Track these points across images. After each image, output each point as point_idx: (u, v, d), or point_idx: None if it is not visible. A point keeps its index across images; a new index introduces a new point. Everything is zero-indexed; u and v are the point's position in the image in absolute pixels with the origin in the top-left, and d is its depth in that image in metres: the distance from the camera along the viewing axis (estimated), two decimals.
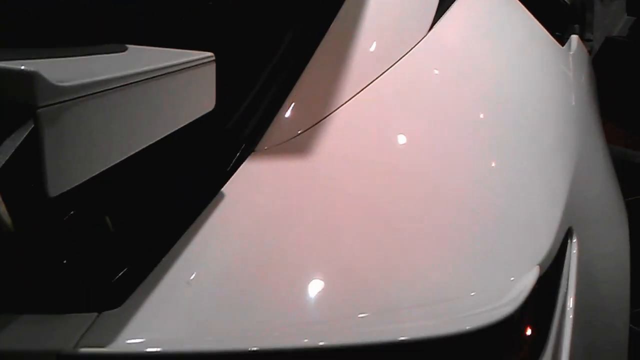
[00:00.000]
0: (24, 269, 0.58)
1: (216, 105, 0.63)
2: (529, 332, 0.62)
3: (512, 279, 0.61)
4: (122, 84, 0.49)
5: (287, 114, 0.74)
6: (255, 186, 0.68)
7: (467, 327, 0.55)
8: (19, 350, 0.53)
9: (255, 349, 0.52)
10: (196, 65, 0.58)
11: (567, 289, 0.70)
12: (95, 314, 0.55)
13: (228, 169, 0.69)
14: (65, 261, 0.58)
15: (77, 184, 0.48)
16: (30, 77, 0.40)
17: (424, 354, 0.56)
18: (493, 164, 0.74)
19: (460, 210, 0.67)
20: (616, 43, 2.66)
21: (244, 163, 0.70)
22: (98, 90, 0.47)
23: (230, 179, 0.68)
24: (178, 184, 0.67)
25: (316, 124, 0.74)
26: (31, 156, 0.44)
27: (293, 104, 0.75)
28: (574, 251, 0.74)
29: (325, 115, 0.75)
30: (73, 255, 0.59)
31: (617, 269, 0.96)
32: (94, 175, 0.51)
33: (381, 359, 0.55)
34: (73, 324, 0.54)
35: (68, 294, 0.57)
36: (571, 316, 0.68)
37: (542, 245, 0.66)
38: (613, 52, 2.58)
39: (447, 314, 0.57)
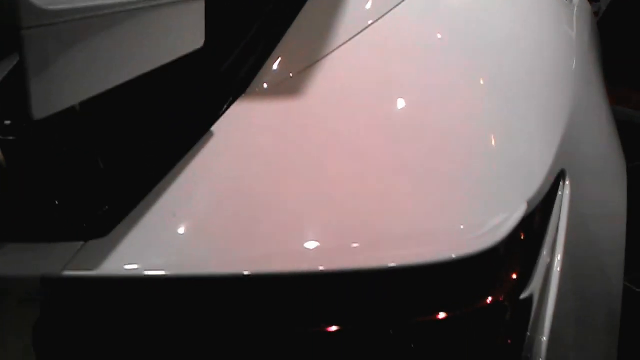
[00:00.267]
0: (13, 200, 0.58)
1: (209, 47, 0.62)
2: (513, 267, 0.62)
3: (499, 214, 0.61)
4: (110, 11, 0.49)
5: (279, 57, 0.73)
6: (245, 125, 0.67)
7: (453, 256, 0.55)
8: (3, 275, 0.53)
9: (243, 273, 0.52)
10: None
11: (557, 230, 0.70)
12: (82, 243, 0.55)
13: (219, 110, 0.68)
14: (53, 193, 0.59)
15: (61, 109, 0.48)
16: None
17: (411, 282, 0.56)
18: (486, 104, 0.74)
19: (451, 148, 0.66)
20: (626, 1, 2.58)
21: (234, 104, 0.69)
22: (84, 16, 0.46)
23: (221, 118, 0.67)
24: (168, 123, 0.67)
25: (308, 67, 0.73)
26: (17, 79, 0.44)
27: (286, 47, 0.74)
28: (567, 192, 0.73)
29: (317, 59, 0.74)
30: (62, 187, 0.59)
31: (611, 223, 0.95)
32: (78, 101, 0.51)
33: (369, 286, 0.55)
34: (59, 252, 0.54)
35: (55, 223, 0.57)
36: (560, 257, 0.68)
37: (532, 182, 0.66)
38: (623, 11, 2.52)
39: (434, 244, 0.56)
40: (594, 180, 0.89)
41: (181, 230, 0.57)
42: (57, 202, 0.58)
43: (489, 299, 0.58)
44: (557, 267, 0.67)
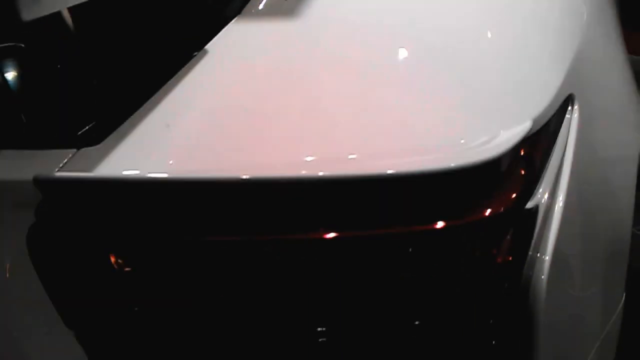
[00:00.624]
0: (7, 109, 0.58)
1: None
2: (515, 183, 0.60)
3: (503, 130, 0.59)
4: None
5: None
6: (240, 44, 0.66)
7: (452, 165, 0.53)
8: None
9: (237, 177, 0.51)
10: None
11: (564, 153, 0.68)
12: (74, 150, 0.55)
13: (214, 29, 0.67)
14: (48, 102, 0.58)
15: (50, 11, 0.47)
16: None
17: (410, 191, 0.54)
18: (493, 20, 0.72)
19: (454, 63, 0.65)
20: None
21: (230, 24, 0.68)
22: None
23: (216, 37, 0.66)
24: (164, 40, 0.66)
25: None
26: None
27: None
28: (575, 116, 0.71)
29: None
30: (56, 97, 0.59)
31: (621, 162, 0.93)
32: (68, 5, 0.50)
33: (366, 194, 0.54)
34: (52, 157, 0.54)
35: (48, 131, 0.57)
36: (566, 179, 0.66)
37: (538, 101, 0.64)
38: None
39: (433, 155, 0.55)
40: (604, 116, 0.86)
41: (174, 140, 0.56)
42: (51, 111, 0.57)
43: (488, 211, 0.56)
44: (563, 188, 0.65)
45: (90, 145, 0.55)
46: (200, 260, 0.55)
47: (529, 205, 0.61)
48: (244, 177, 0.51)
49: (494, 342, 0.61)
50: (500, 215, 0.58)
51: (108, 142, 0.56)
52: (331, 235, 0.54)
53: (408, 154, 0.56)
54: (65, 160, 0.54)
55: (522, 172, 0.62)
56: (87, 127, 0.57)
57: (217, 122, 0.58)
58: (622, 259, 0.92)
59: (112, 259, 0.55)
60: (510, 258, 0.61)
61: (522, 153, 0.62)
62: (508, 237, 0.60)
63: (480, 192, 0.57)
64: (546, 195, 0.64)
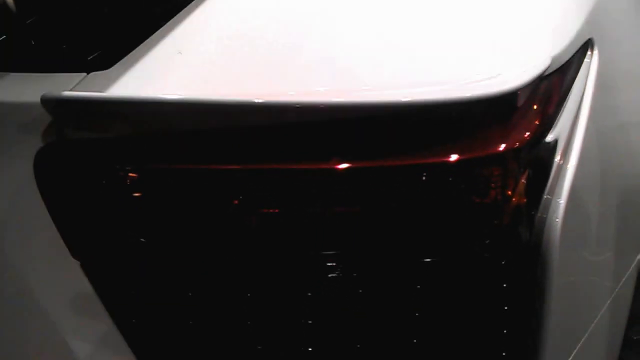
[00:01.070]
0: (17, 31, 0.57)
1: None
2: (532, 120, 0.58)
3: (521, 66, 0.57)
4: None
5: None
6: None
7: (466, 95, 0.52)
8: (4, 101, 0.52)
9: (250, 101, 0.50)
10: None
11: (582, 96, 0.66)
12: (84, 74, 0.54)
13: None
14: (58, 27, 0.57)
15: None
16: None
17: (421, 122, 0.53)
18: None
19: (474, 1, 0.63)
20: None
21: None
22: None
23: None
24: None
25: None
26: None
27: None
28: (594, 60, 0.69)
29: None
30: (67, 23, 0.58)
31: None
32: None
33: (379, 125, 0.53)
34: (61, 81, 0.53)
35: (58, 56, 0.56)
36: (584, 120, 0.64)
37: (558, 42, 0.62)
38: None
39: (448, 86, 0.53)
40: (625, 64, 0.84)
41: (186, 66, 0.55)
42: (61, 35, 0.56)
43: (502, 146, 0.55)
44: (580, 131, 0.64)
45: (100, 70, 0.54)
46: (207, 187, 0.54)
47: (546, 140, 0.59)
48: (257, 101, 0.50)
49: (504, 285, 0.60)
50: (514, 151, 0.56)
51: (118, 67, 0.55)
52: (343, 165, 0.53)
53: (424, 86, 0.55)
54: (74, 83, 0.53)
55: (539, 110, 0.60)
56: (97, 53, 0.55)
57: (231, 50, 0.57)
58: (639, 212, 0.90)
59: (120, 184, 0.54)
60: (525, 200, 0.60)
61: (539, 91, 0.60)
62: (523, 176, 0.59)
63: (495, 127, 0.56)
64: (562, 136, 0.62)
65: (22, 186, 0.55)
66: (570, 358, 0.69)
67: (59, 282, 0.57)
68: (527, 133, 0.58)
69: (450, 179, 0.56)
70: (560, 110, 0.63)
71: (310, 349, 0.57)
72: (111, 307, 0.57)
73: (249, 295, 0.56)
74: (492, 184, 0.57)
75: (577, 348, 0.69)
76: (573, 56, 0.65)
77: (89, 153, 0.54)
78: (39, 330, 0.57)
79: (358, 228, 0.56)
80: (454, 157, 0.54)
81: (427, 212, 0.56)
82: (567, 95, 0.65)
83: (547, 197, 0.62)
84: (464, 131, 0.55)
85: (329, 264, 0.56)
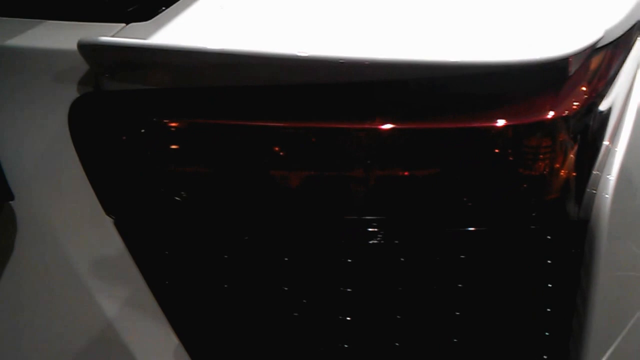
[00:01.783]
0: None
1: None
2: (581, 89, 0.56)
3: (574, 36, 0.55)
4: None
5: None
6: None
7: (519, 59, 0.49)
8: (40, 48, 0.51)
9: (291, 55, 0.48)
10: None
11: (635, 73, 0.64)
12: (123, 24, 0.52)
13: None
14: None
15: None
16: None
17: (471, 85, 0.51)
18: None
19: None
20: None
21: None
22: None
23: None
24: None
25: None
26: None
27: None
28: None
29: None
30: None
31: None
32: None
33: (430, 85, 0.50)
34: (99, 30, 0.52)
35: (96, 5, 0.54)
36: (637, 101, 0.62)
37: (610, 18, 0.60)
38: None
39: (499, 49, 0.51)
40: None
41: (228, 21, 0.53)
42: None
43: (551, 114, 0.53)
44: (633, 105, 0.61)
45: (139, 21, 0.52)
46: (247, 144, 0.52)
47: (597, 113, 0.57)
48: (301, 56, 0.48)
49: (549, 261, 0.57)
50: (563, 119, 0.54)
51: (157, 19, 0.53)
52: (388, 126, 0.51)
53: (473, 49, 0.53)
54: (113, 33, 0.51)
55: (591, 82, 0.58)
56: (137, 4, 0.54)
57: (274, 5, 0.55)
58: None
59: (157, 138, 0.52)
60: (574, 173, 0.57)
61: (591, 63, 0.58)
62: (572, 147, 0.56)
63: (544, 94, 0.54)
64: (614, 110, 0.60)
65: (55, 139, 0.53)
66: (615, 345, 0.66)
67: (90, 239, 0.55)
68: (577, 103, 0.56)
69: (497, 145, 0.53)
70: (612, 84, 0.61)
71: (348, 319, 0.55)
72: (143, 267, 0.54)
73: (285, 259, 0.53)
74: (539, 154, 0.55)
75: (622, 334, 0.66)
76: (626, 33, 0.63)
77: (126, 105, 0.52)
78: (69, 287, 0.55)
79: (401, 193, 0.53)
80: (501, 123, 0.52)
81: (472, 178, 0.54)
82: (619, 71, 0.63)
83: (596, 173, 0.59)
84: (513, 97, 0.53)
85: (370, 229, 0.53)
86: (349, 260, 0.54)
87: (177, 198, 0.53)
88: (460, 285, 0.55)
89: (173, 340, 0.56)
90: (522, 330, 0.58)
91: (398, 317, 0.55)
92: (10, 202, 0.54)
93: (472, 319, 0.56)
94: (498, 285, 0.56)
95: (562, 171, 0.56)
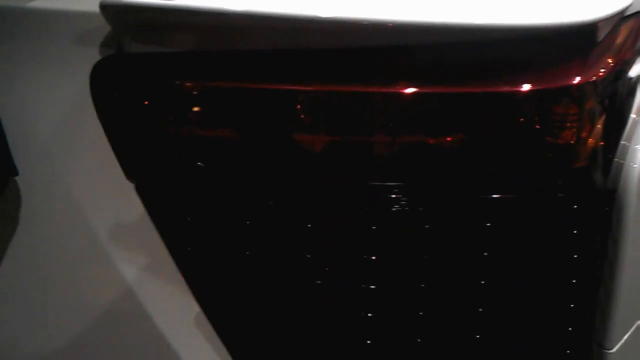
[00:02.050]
0: None
1: None
2: (610, 57, 0.55)
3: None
4: None
5: None
6: None
7: (541, 22, 0.48)
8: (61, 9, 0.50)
9: (317, 18, 0.47)
10: None
11: None
12: None
13: None
14: None
15: None
16: None
17: (499, 50, 0.50)
18: None
19: None
20: None
21: None
22: None
23: None
24: None
25: None
26: None
27: None
28: None
29: None
30: None
31: None
32: None
33: (460, 48, 0.49)
34: None
35: None
36: None
37: None
38: None
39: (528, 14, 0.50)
40: None
41: None
42: None
43: (577, 79, 0.51)
44: None
45: None
46: (271, 108, 0.51)
47: (624, 81, 0.56)
48: (327, 18, 0.47)
49: (576, 231, 0.56)
50: (590, 85, 0.53)
51: None
52: (410, 90, 0.50)
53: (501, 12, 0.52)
54: None
55: (619, 49, 0.57)
56: None
57: None
58: None
59: (181, 102, 0.51)
60: (601, 142, 0.56)
61: (620, 29, 0.56)
62: (599, 115, 0.55)
63: (572, 59, 0.52)
64: None
65: (76, 102, 0.53)
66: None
67: (111, 204, 0.54)
68: (605, 70, 0.55)
69: (523, 110, 0.52)
70: None
71: (372, 287, 0.54)
72: (165, 233, 0.54)
73: (308, 225, 0.53)
74: (567, 120, 0.54)
75: None
76: None
77: (149, 67, 0.51)
78: (89, 254, 0.55)
79: (426, 159, 0.52)
80: (528, 87, 0.51)
81: (498, 145, 0.53)
82: None
83: (624, 143, 0.58)
84: (540, 62, 0.52)
85: (394, 196, 0.52)
86: (373, 227, 0.53)
87: (199, 163, 0.53)
88: (485, 253, 0.54)
89: (194, 307, 0.56)
90: (547, 301, 0.57)
91: (422, 285, 0.54)
92: (33, 165, 0.54)
93: (497, 288, 0.55)
94: (523, 254, 0.55)
95: (590, 139, 0.55)
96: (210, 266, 0.55)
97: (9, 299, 0.58)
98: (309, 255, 0.54)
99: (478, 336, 0.57)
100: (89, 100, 0.53)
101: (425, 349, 0.57)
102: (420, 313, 0.55)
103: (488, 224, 0.53)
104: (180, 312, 0.56)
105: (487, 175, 0.53)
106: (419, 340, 0.56)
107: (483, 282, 0.54)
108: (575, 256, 0.56)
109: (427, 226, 0.53)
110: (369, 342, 0.56)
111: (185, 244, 0.54)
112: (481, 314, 0.56)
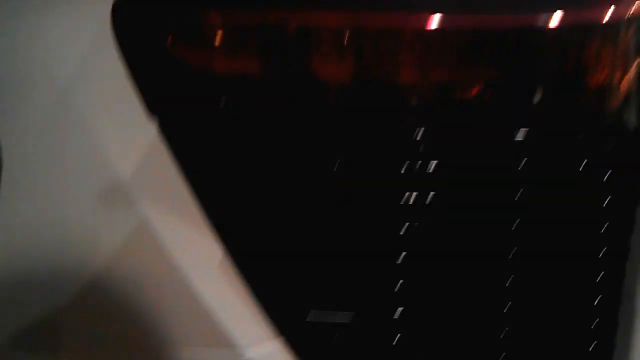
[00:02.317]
0: None
1: None
2: None
3: None
4: None
5: None
6: None
7: None
8: None
9: None
10: None
11: None
12: None
13: None
14: None
15: None
16: None
17: None
18: None
19: None
20: None
21: None
22: None
23: None
24: None
25: None
26: None
27: None
28: None
29: None
30: None
31: None
32: None
33: None
34: None
35: None
36: None
37: None
38: None
39: None
40: None
41: None
42: None
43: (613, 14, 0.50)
44: None
45: None
46: (298, 44, 0.50)
47: None
48: None
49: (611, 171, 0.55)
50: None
51: None
52: (437, 24, 0.49)
53: None
54: None
55: None
56: None
57: None
58: None
59: (205, 38, 0.50)
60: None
61: None
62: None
63: None
64: None
65: (97, 37, 0.51)
66: None
67: (131, 140, 0.53)
68: None
69: (556, 46, 0.51)
70: None
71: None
72: (187, 172, 0.53)
73: (333, 161, 0.51)
74: (600, 59, 0.52)
75: None
76: None
77: (173, 1, 0.50)
78: (108, 190, 0.54)
79: (456, 97, 0.51)
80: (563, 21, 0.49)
81: (529, 83, 0.51)
82: None
83: None
84: None
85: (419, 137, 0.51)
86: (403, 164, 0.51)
87: (223, 99, 0.51)
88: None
89: (217, 250, 0.55)
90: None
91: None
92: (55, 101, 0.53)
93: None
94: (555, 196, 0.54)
95: (625, 79, 0.53)
96: (233, 206, 0.54)
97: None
98: (333, 192, 0.52)
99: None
100: (110, 35, 0.51)
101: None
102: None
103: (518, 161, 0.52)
104: (204, 254, 0.54)
105: (519, 112, 0.52)
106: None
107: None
108: (611, 197, 0.55)
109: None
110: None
111: (207, 183, 0.53)
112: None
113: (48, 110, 0.54)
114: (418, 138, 0.51)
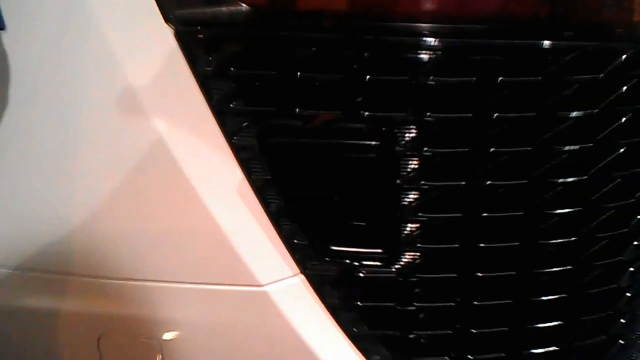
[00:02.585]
0: None
1: None
2: None
3: None
4: None
5: None
6: None
7: None
8: None
9: None
10: None
11: None
12: None
13: None
14: None
15: None
16: None
17: None
18: None
19: None
20: None
21: None
22: None
23: None
24: None
25: None
26: None
27: None
28: None
29: None
30: None
31: None
32: None
33: None
34: None
35: None
36: None
37: None
38: None
39: None
40: None
41: None
42: None
43: None
44: None
45: None
46: None
47: None
48: None
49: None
50: None
51: None
52: None
53: None
54: None
55: None
56: None
57: None
58: None
59: None
60: None
61: None
62: None
63: None
64: None
65: None
66: None
67: (148, 49, 0.49)
68: None
69: None
70: None
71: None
72: (204, 85, 0.49)
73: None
74: None
75: None
76: None
77: None
78: (124, 110, 0.50)
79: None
80: None
81: None
82: None
83: None
84: None
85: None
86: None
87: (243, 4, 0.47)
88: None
89: (237, 174, 0.50)
90: None
91: None
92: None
93: None
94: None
95: None
96: (252, 120, 0.49)
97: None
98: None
99: None
100: None
101: None
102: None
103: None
104: (223, 177, 0.50)
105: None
106: None
107: None
108: None
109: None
110: None
111: (225, 97, 0.49)
112: None
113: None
114: None
